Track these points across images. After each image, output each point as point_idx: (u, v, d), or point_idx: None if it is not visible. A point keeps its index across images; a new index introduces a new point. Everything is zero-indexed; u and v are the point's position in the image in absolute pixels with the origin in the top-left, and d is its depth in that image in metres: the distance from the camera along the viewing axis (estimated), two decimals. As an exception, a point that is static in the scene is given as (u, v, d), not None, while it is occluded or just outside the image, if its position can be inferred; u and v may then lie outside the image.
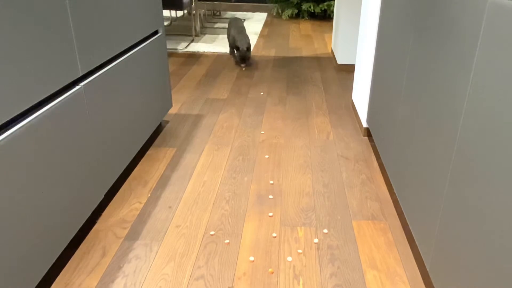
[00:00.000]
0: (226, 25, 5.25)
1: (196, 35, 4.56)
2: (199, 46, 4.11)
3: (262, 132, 2.29)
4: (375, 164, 1.97)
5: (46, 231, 1.16)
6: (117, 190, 1.73)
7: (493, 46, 0.88)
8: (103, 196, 1.51)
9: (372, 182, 1.82)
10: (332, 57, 3.83)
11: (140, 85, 1.84)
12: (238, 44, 3.42)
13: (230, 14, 6.07)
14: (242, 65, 3.50)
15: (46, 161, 1.14)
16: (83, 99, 1.34)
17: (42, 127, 1.12)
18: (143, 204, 1.65)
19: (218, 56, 3.82)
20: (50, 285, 1.26)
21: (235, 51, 3.47)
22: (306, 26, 5.31)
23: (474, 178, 0.93)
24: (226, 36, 4.62)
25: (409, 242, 1.46)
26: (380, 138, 1.86)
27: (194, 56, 3.81)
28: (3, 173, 0.98)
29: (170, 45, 4.14)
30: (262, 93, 2.89)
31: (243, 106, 2.66)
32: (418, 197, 1.30)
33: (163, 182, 1.80)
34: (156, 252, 1.39)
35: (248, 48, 3.43)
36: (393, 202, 1.68)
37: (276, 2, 6.03)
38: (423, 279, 1.30)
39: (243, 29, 3.60)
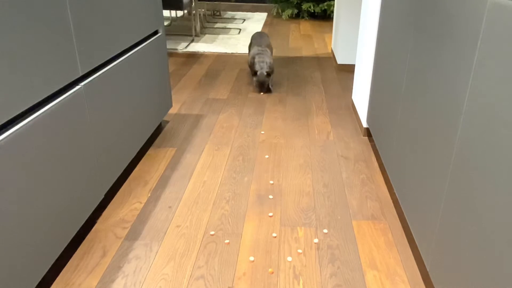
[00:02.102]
0: (226, 25, 5.25)
1: (196, 35, 4.56)
2: (199, 46, 4.11)
3: (262, 132, 2.29)
4: (375, 164, 1.97)
5: (46, 231, 1.16)
6: (117, 190, 1.73)
7: (493, 46, 0.88)
8: (103, 196, 1.51)
9: (372, 182, 1.82)
10: (332, 57, 3.83)
11: (140, 85, 1.84)
12: (256, 66, 2.77)
13: (230, 14, 6.07)
14: (261, 93, 2.86)
15: (46, 161, 1.14)
16: (83, 99, 1.34)
17: (42, 127, 1.12)
18: (143, 204, 1.65)
19: (218, 56, 3.82)
20: (50, 285, 1.26)
21: (254, 74, 2.83)
22: (306, 26, 5.31)
23: (474, 178, 0.93)
24: (226, 36, 4.62)
25: (409, 242, 1.46)
26: (380, 138, 1.86)
27: (194, 56, 3.81)
28: (3, 173, 0.98)
29: (170, 45, 4.14)
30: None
31: (243, 106, 2.66)
32: (418, 197, 1.30)
33: (163, 182, 1.80)
34: (156, 252, 1.39)
35: (269, 73, 2.77)
36: (393, 202, 1.68)
37: (276, 2, 6.03)
38: (423, 279, 1.30)
39: (265, 50, 2.91)
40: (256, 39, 3.07)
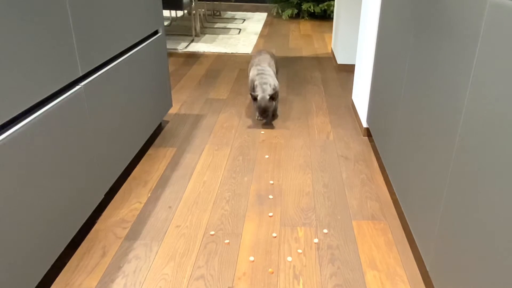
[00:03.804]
0: (226, 25, 5.25)
1: (196, 35, 4.56)
2: (199, 46, 4.11)
3: (262, 132, 2.29)
4: (375, 164, 1.97)
5: (46, 231, 1.16)
6: (117, 190, 1.73)
7: (493, 46, 0.88)
8: (103, 196, 1.51)
9: (372, 182, 1.82)
10: (332, 57, 3.83)
11: (140, 85, 1.84)
12: (257, 89, 2.23)
13: (230, 14, 6.07)
14: (260, 118, 2.34)
15: (46, 161, 1.14)
16: (83, 99, 1.34)
17: (42, 127, 1.12)
18: (143, 204, 1.65)
19: (218, 56, 3.82)
20: (50, 285, 1.26)
21: (254, 99, 2.27)
22: (306, 26, 5.31)
23: (474, 178, 0.93)
24: (226, 36, 4.62)
25: (409, 242, 1.46)
26: (380, 138, 1.86)
27: (194, 56, 3.81)
28: (3, 173, 0.98)
29: (170, 45, 4.14)
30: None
31: (243, 106, 2.66)
32: (418, 197, 1.30)
33: (163, 182, 1.80)
34: (156, 252, 1.39)
35: (273, 96, 2.21)
36: (393, 202, 1.68)
37: (276, 2, 6.03)
38: (423, 279, 1.30)
39: (267, 69, 2.36)
40: (256, 57, 2.53)
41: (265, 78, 2.27)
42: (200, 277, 1.30)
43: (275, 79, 2.35)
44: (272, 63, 2.48)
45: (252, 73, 2.35)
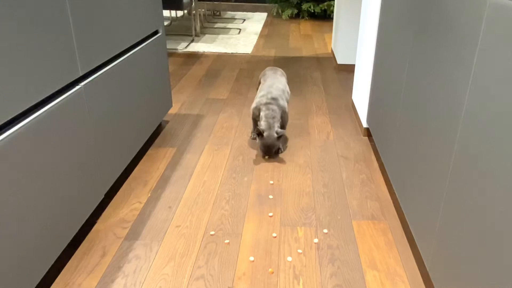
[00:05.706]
0: (226, 25, 5.24)
1: (196, 35, 4.56)
2: (199, 46, 4.11)
3: (262, 132, 2.29)
4: (375, 164, 1.97)
5: (46, 231, 1.16)
6: (117, 190, 1.73)
7: (493, 46, 0.88)
8: (103, 196, 1.51)
9: (372, 182, 1.82)
10: (332, 57, 3.83)
11: (140, 85, 1.84)
12: (262, 123, 1.96)
13: (230, 14, 6.07)
14: (266, 157, 2.02)
15: (46, 161, 1.14)
16: (83, 99, 1.34)
17: (42, 127, 1.12)
18: (143, 204, 1.65)
19: (218, 56, 3.82)
20: (50, 285, 1.26)
21: (258, 135, 1.97)
22: (306, 26, 5.31)
23: (474, 178, 0.93)
24: (226, 36, 4.62)
25: (409, 242, 1.46)
26: (380, 138, 1.86)
27: (194, 56, 3.81)
28: (3, 173, 0.98)
29: (170, 45, 4.14)
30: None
31: (243, 106, 2.66)
32: (418, 197, 1.30)
33: (163, 182, 1.80)
34: (156, 252, 1.39)
35: (280, 135, 1.95)
36: (393, 202, 1.68)
37: (276, 2, 6.03)
38: (423, 279, 1.30)
39: (277, 98, 2.02)
40: (269, 79, 2.17)
41: (274, 111, 1.97)
42: (200, 277, 1.30)
43: (285, 108, 2.04)
44: (287, 88, 2.19)
45: (260, 99, 2.03)
